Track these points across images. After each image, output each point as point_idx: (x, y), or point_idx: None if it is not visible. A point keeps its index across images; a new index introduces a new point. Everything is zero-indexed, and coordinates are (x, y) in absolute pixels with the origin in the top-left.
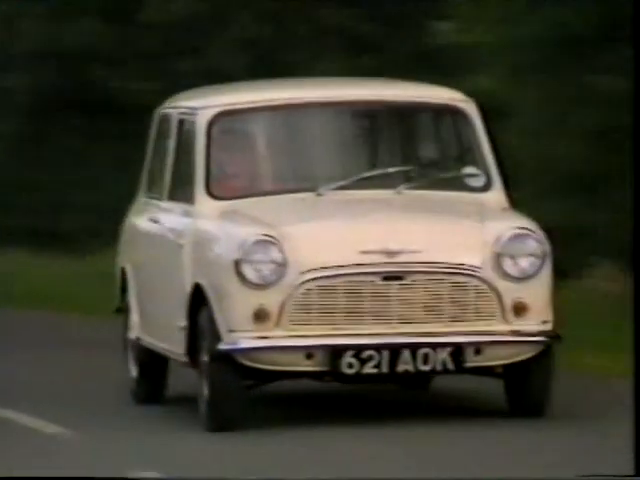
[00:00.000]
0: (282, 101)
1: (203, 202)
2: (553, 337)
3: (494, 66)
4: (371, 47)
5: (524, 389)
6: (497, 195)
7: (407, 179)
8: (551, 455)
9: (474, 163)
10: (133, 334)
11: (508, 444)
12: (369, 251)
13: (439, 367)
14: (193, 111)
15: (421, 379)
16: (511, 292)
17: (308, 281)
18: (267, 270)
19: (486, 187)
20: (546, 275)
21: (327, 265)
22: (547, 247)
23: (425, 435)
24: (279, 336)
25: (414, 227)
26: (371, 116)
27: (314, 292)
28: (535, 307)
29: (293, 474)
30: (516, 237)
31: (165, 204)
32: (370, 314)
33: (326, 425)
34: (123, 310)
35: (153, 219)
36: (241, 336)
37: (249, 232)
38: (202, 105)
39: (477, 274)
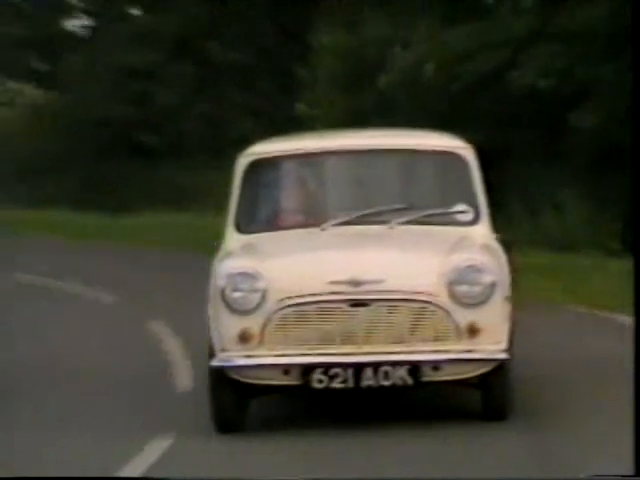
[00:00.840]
0: (305, 150)
1: (231, 236)
2: (504, 356)
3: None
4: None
5: (486, 398)
6: (483, 228)
7: (402, 215)
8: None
9: (466, 200)
10: None
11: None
12: (338, 281)
13: (399, 382)
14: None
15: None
16: (464, 316)
17: (284, 308)
18: (249, 298)
19: (474, 221)
20: (497, 301)
21: (301, 294)
22: (497, 277)
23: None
24: (261, 355)
25: (380, 259)
26: (381, 161)
27: (290, 317)
28: (487, 329)
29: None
30: (468, 268)
31: None
32: (338, 336)
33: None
34: None
35: None
36: (229, 355)
37: (235, 265)
38: (244, 153)
39: (433, 300)
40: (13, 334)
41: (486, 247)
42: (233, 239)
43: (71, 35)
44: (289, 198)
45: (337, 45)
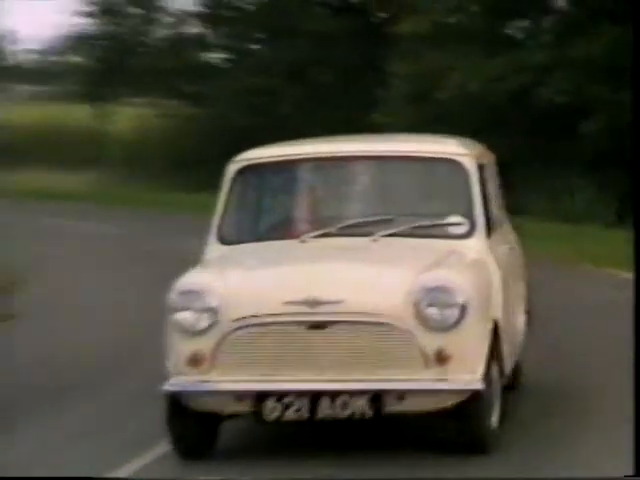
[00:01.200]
0: (296, 157)
1: (213, 246)
2: (478, 387)
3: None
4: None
5: (461, 431)
6: (477, 242)
7: (390, 226)
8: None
9: (462, 211)
10: None
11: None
12: (295, 301)
13: (358, 413)
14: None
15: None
16: (432, 341)
17: (237, 329)
18: (199, 317)
19: (468, 234)
20: (471, 325)
21: (255, 314)
22: (472, 298)
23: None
24: (212, 380)
25: (345, 276)
26: (374, 168)
27: (243, 340)
28: (459, 356)
29: None
30: (437, 288)
31: None
32: (294, 362)
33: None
34: None
35: None
36: (180, 379)
37: (189, 281)
38: (234, 159)
39: (397, 323)
40: None
41: (471, 264)
42: (212, 250)
43: (209, 65)
44: (276, 207)
45: (405, 70)
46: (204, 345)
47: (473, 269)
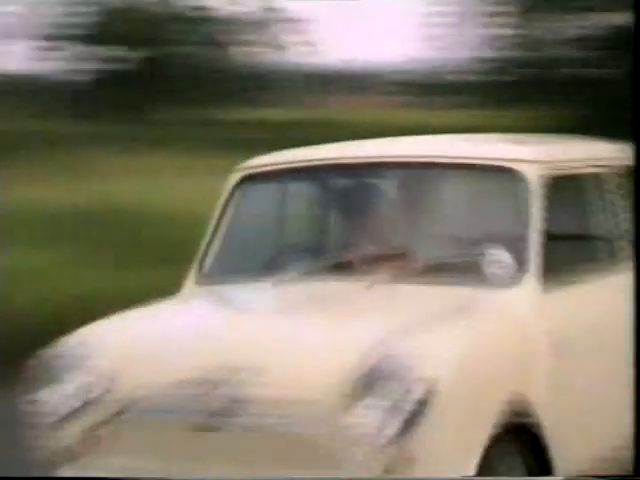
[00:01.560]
0: (311, 163)
1: (186, 285)
2: None
3: None
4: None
5: None
6: (522, 294)
7: (400, 264)
8: None
9: (509, 244)
10: None
11: None
12: (187, 381)
13: None
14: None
15: None
16: (389, 442)
17: (119, 413)
18: (76, 388)
19: (510, 281)
20: (444, 414)
21: (141, 395)
22: (447, 379)
23: None
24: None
25: (270, 343)
26: (406, 179)
27: (126, 429)
28: (428, 459)
29: None
30: (387, 365)
31: None
32: (181, 467)
33: None
34: None
35: None
36: (58, 467)
37: (71, 339)
38: (235, 168)
39: (335, 417)
40: None
41: (479, 325)
42: (183, 289)
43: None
44: (277, 234)
45: None
46: (76, 428)
47: (475, 332)
